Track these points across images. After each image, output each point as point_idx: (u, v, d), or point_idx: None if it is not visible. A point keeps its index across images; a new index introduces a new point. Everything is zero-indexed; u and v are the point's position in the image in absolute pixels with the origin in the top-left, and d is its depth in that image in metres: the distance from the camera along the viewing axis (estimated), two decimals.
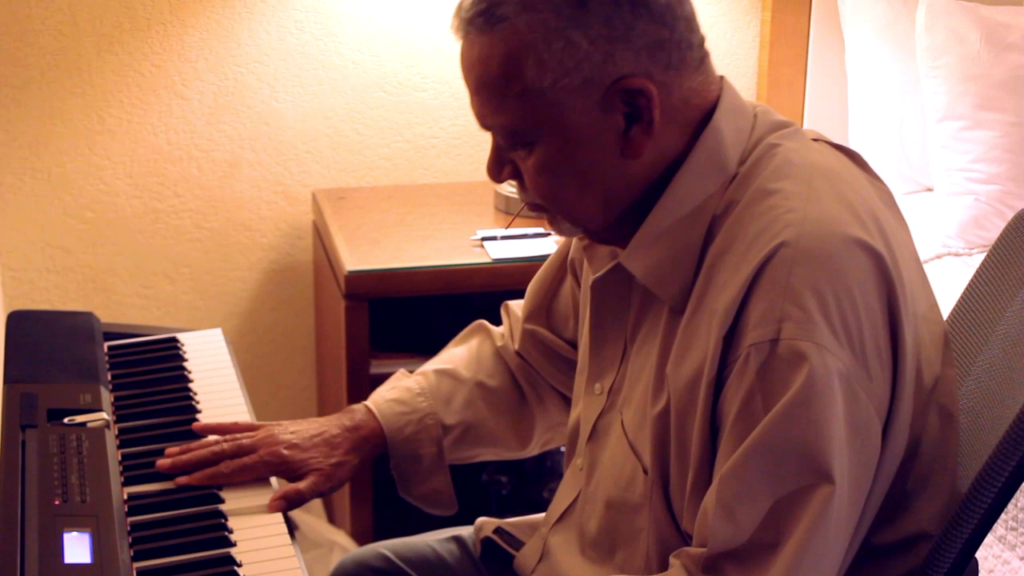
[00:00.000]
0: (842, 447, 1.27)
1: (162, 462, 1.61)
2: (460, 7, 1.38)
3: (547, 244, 2.64)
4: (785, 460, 1.27)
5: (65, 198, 2.91)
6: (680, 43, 1.36)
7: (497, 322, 1.85)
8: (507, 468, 2.88)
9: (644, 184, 1.40)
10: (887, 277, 1.33)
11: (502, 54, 1.34)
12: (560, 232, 1.48)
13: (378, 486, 2.67)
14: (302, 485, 1.62)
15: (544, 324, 1.76)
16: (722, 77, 1.43)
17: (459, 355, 1.81)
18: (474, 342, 1.83)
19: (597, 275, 1.51)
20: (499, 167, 1.44)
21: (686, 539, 1.39)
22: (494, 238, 2.66)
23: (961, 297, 1.66)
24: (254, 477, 1.63)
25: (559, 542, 1.60)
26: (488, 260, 2.60)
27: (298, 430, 1.68)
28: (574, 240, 1.70)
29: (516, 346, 1.78)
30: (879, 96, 3.04)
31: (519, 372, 1.78)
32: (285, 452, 1.64)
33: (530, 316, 1.77)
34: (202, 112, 2.92)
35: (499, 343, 1.80)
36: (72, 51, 2.83)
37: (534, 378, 1.78)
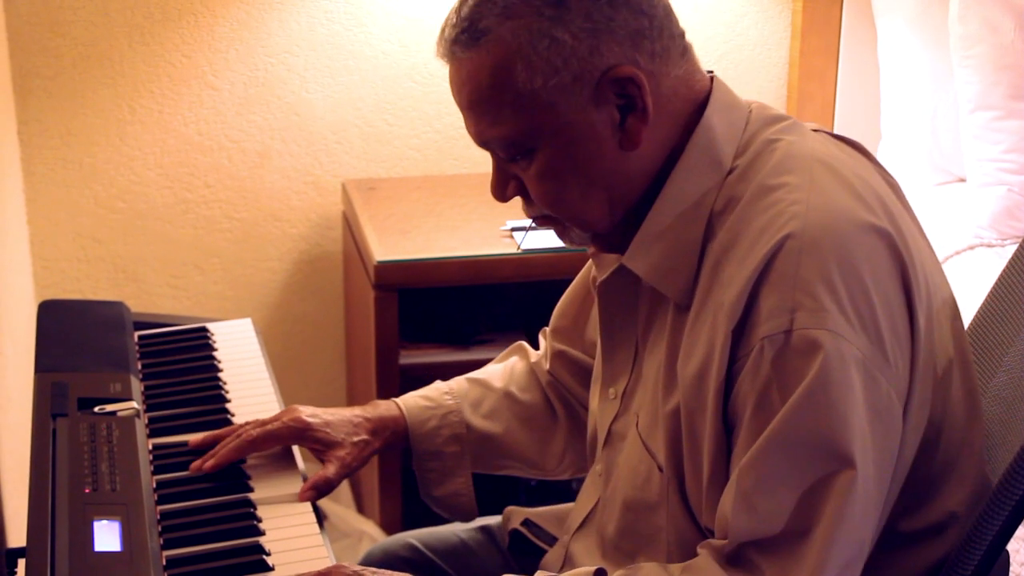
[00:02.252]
0: (863, 432, 1.27)
1: (195, 464, 1.62)
2: (442, 33, 1.41)
3: None
4: (805, 449, 1.27)
5: (96, 188, 2.92)
6: (662, 31, 1.37)
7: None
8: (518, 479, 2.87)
9: (644, 180, 1.40)
10: (898, 256, 1.32)
11: (490, 65, 1.35)
12: (570, 241, 1.47)
13: (407, 477, 2.67)
14: (331, 471, 1.63)
15: (571, 343, 1.75)
16: (712, 73, 1.44)
17: (495, 369, 1.81)
18: (512, 359, 1.83)
19: (602, 278, 1.51)
20: (503, 186, 1.44)
21: (706, 535, 1.39)
22: (523, 228, 2.66)
23: (993, 288, 1.65)
24: (278, 443, 1.65)
25: (580, 549, 1.60)
26: (517, 250, 2.60)
27: (319, 409, 1.69)
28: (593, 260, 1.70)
29: (547, 365, 1.78)
30: (911, 86, 3.02)
31: (551, 390, 1.78)
32: (308, 419, 1.65)
33: (557, 335, 1.77)
34: (232, 103, 2.93)
35: (534, 360, 1.80)
36: (103, 42, 2.84)
37: (566, 399, 1.77)
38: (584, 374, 1.74)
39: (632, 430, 1.49)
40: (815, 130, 1.46)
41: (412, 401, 1.73)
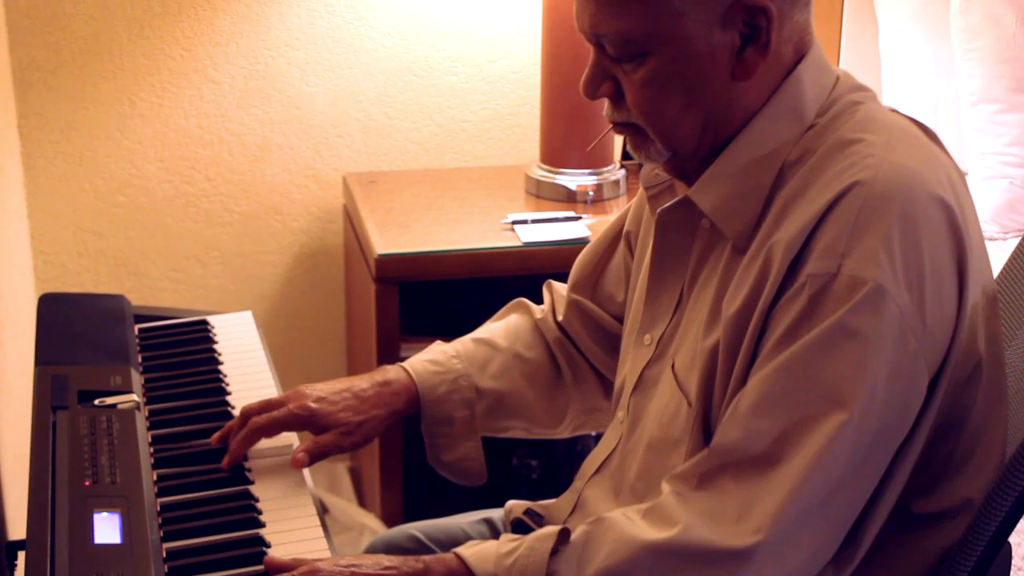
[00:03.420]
0: (875, 384, 1.27)
1: (226, 461, 1.63)
2: None
3: (578, 228, 2.63)
4: (808, 383, 1.28)
5: (96, 182, 2.91)
6: None
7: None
8: (537, 452, 2.88)
9: (741, 116, 1.40)
10: (958, 234, 1.33)
11: None
12: (647, 157, 1.46)
13: (408, 469, 2.67)
14: (326, 437, 1.64)
15: (590, 296, 1.76)
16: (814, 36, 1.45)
17: (497, 328, 1.81)
18: (513, 317, 1.82)
19: (665, 206, 1.49)
20: (597, 83, 1.43)
21: None
22: (525, 222, 2.66)
23: (996, 281, 1.65)
24: (283, 429, 1.65)
25: (594, 494, 1.59)
26: (519, 244, 2.60)
27: (327, 386, 1.69)
28: (631, 211, 1.71)
29: (560, 317, 1.78)
30: (913, 79, 3.01)
31: (557, 347, 1.78)
32: (313, 405, 1.65)
33: (576, 286, 1.77)
34: (233, 96, 2.92)
35: (538, 317, 1.80)
36: (103, 36, 2.83)
37: (572, 355, 1.78)
38: (595, 326, 1.75)
39: (667, 372, 1.49)
40: (892, 111, 1.47)
41: (421, 367, 1.73)
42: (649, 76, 1.38)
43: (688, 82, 1.37)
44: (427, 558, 1.39)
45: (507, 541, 1.39)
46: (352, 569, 1.37)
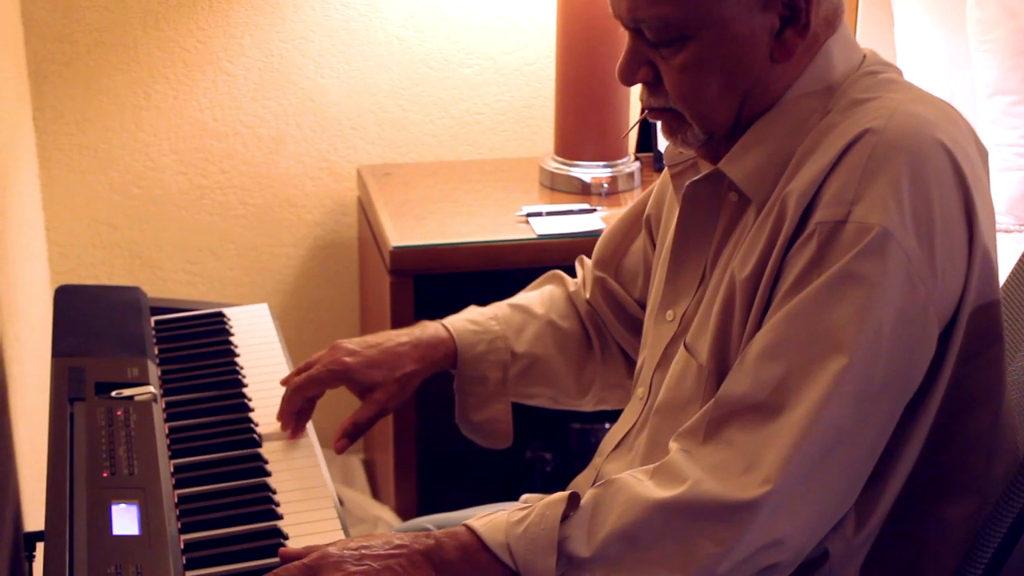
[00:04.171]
0: (880, 331, 1.27)
1: (287, 432, 1.68)
2: None
3: (593, 220, 2.63)
4: (811, 329, 1.29)
5: (111, 174, 2.92)
6: None
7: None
8: (551, 445, 2.88)
9: (776, 95, 1.40)
10: (963, 181, 1.33)
11: None
12: (683, 141, 1.46)
13: (422, 463, 2.67)
14: (362, 415, 1.67)
15: (613, 275, 1.77)
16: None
17: (533, 296, 1.82)
18: (548, 287, 1.84)
19: (693, 179, 1.49)
20: (634, 68, 1.42)
21: None
22: (539, 214, 2.65)
23: (1011, 274, 1.65)
24: (322, 387, 1.68)
25: (613, 470, 1.59)
26: (533, 236, 2.60)
27: (363, 339, 1.71)
28: (653, 194, 1.71)
29: (587, 294, 1.79)
30: (928, 71, 3.00)
31: (588, 319, 1.79)
32: (348, 359, 1.67)
33: (600, 264, 1.78)
34: (247, 88, 2.93)
35: (571, 289, 1.81)
36: (118, 28, 2.83)
37: (601, 330, 1.79)
38: (617, 305, 1.76)
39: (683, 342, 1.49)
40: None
41: (460, 325, 1.74)
42: (689, 60, 1.37)
43: (728, 65, 1.38)
44: (437, 533, 1.39)
45: (517, 510, 1.39)
46: (363, 551, 1.36)
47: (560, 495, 1.37)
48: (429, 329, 1.73)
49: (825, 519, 1.33)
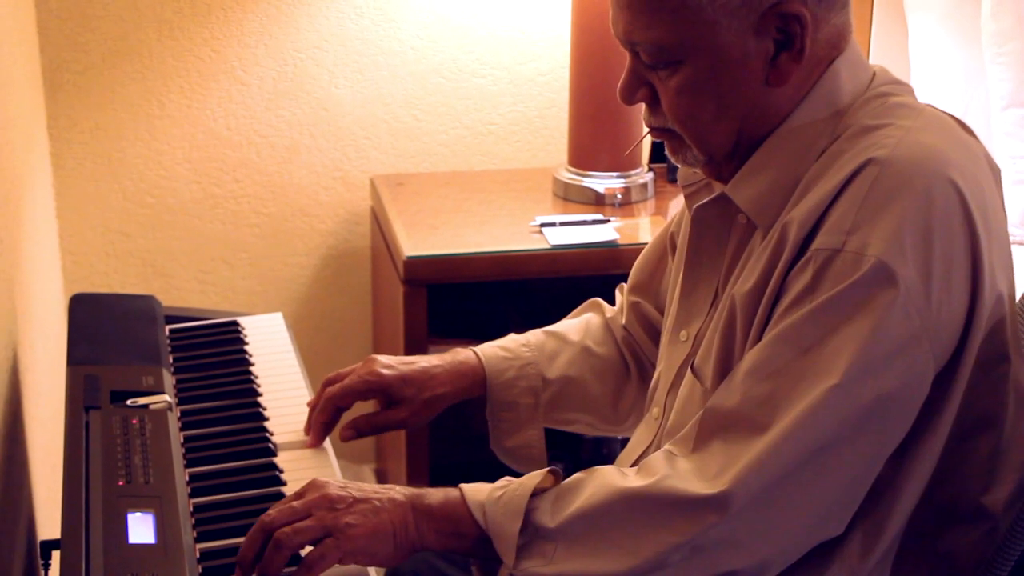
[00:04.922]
0: (871, 357, 1.28)
1: (311, 439, 1.70)
2: None
3: (606, 231, 2.63)
4: (800, 352, 1.30)
5: (125, 183, 2.92)
6: None
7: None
8: (563, 455, 2.87)
9: (775, 119, 1.41)
10: (970, 219, 1.32)
11: None
12: (683, 161, 1.47)
13: (434, 473, 2.67)
14: (380, 418, 1.71)
15: (646, 297, 1.77)
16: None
17: (570, 323, 1.83)
18: (586, 315, 1.85)
19: (701, 203, 1.50)
20: (633, 89, 1.44)
21: None
22: (553, 224, 2.65)
23: None
24: (356, 397, 1.70)
25: None
26: (547, 246, 2.59)
27: (398, 357, 1.74)
28: (677, 214, 1.72)
29: (623, 320, 1.79)
30: (943, 83, 3.00)
31: (624, 345, 1.80)
32: (384, 371, 1.70)
33: (634, 288, 1.79)
34: (261, 98, 2.93)
35: (609, 316, 1.82)
36: (133, 37, 2.84)
37: (638, 354, 1.80)
38: (651, 328, 1.77)
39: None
40: (928, 105, 1.47)
41: (491, 351, 1.76)
42: (683, 83, 1.38)
43: (722, 89, 1.38)
44: (431, 490, 1.43)
45: (505, 479, 1.43)
46: (350, 486, 1.42)
47: (543, 471, 1.42)
48: (460, 355, 1.75)
49: (795, 536, 1.34)
